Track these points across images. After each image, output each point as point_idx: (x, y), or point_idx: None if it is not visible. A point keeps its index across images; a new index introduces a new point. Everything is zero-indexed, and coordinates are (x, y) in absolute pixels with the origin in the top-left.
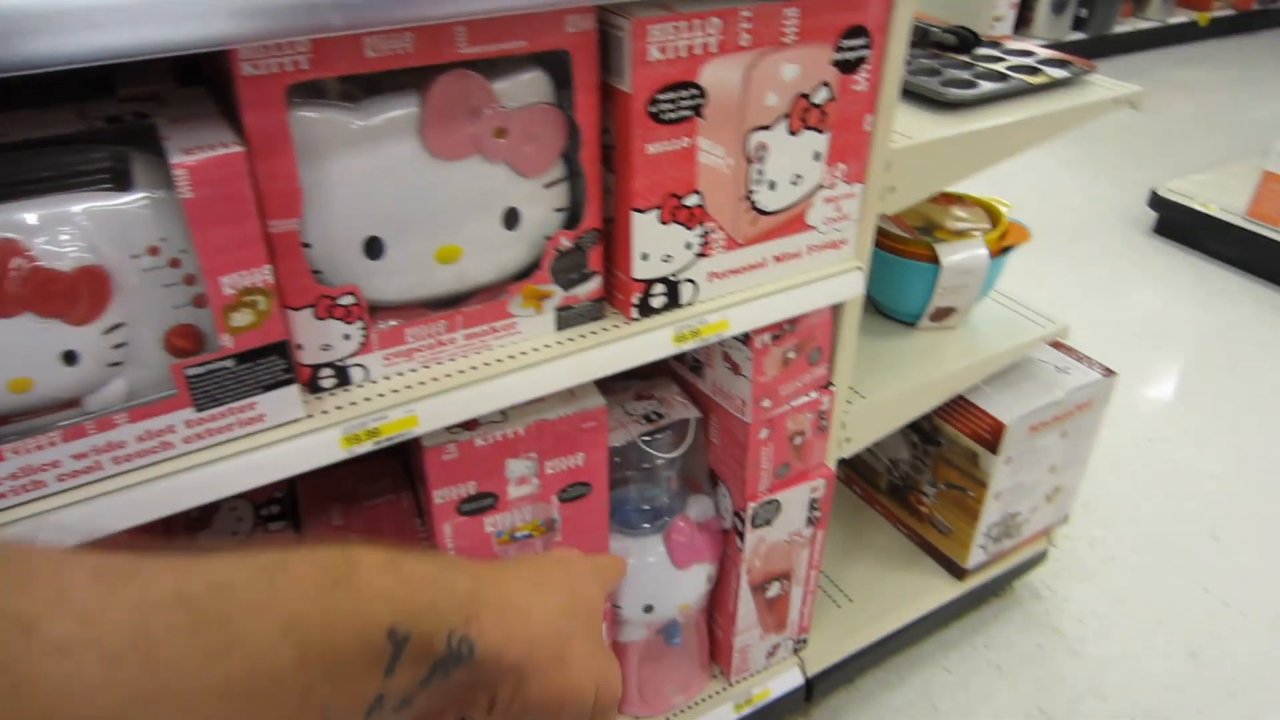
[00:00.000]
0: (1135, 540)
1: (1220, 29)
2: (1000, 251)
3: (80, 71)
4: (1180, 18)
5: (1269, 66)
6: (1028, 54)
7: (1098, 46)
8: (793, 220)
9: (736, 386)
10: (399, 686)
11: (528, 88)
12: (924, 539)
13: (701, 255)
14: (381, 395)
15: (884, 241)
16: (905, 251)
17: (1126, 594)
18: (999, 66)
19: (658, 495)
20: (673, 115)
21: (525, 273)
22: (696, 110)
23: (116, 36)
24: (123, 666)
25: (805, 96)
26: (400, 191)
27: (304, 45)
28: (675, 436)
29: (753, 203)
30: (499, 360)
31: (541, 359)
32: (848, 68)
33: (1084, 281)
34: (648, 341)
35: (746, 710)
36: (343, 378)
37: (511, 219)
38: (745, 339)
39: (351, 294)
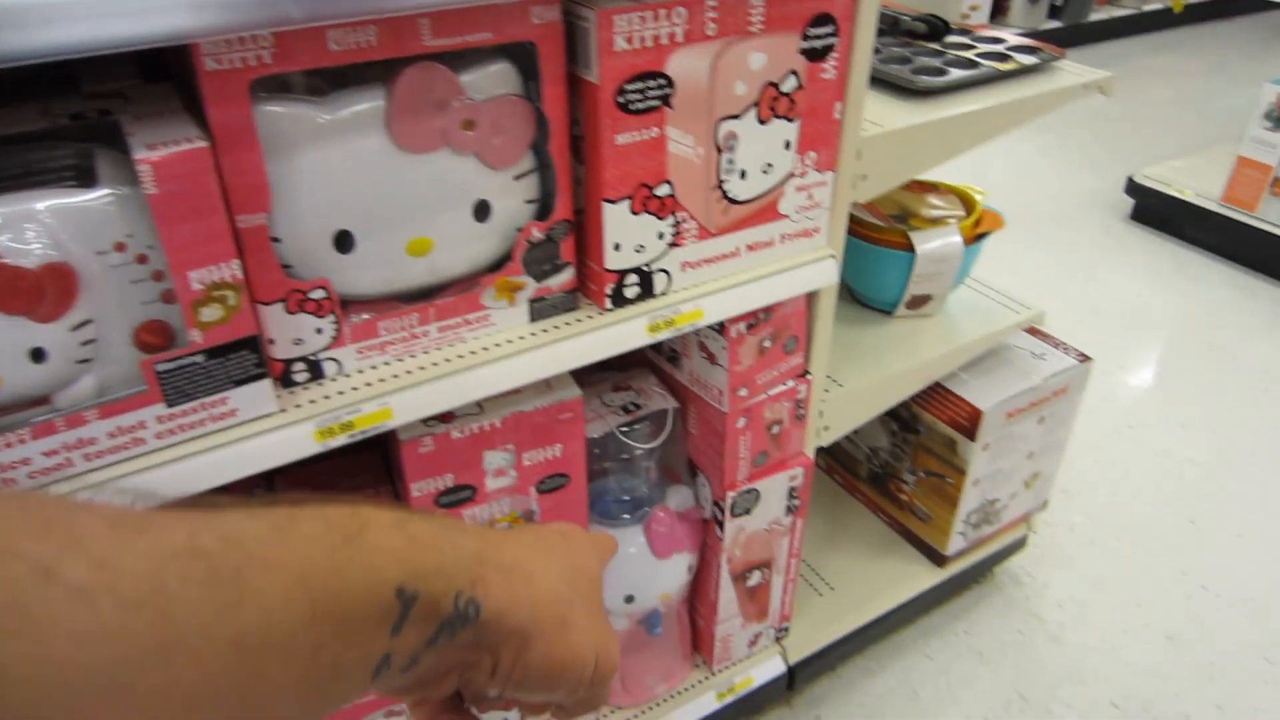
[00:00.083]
0: (1114, 526)
1: (1194, 15)
2: (975, 239)
3: (44, 68)
4: (1155, 5)
5: (1243, 52)
6: (998, 41)
7: (1074, 34)
8: (765, 209)
9: (713, 376)
10: (406, 646)
11: (495, 80)
12: (904, 526)
13: (674, 245)
14: (355, 389)
15: (859, 230)
16: (880, 240)
17: (1105, 579)
18: (969, 54)
19: (637, 486)
20: (641, 105)
21: (497, 265)
22: (665, 100)
23: (75, 32)
24: (139, 615)
25: (774, 85)
26: (369, 185)
27: (266, 39)
28: (653, 427)
29: (724, 192)
30: (473, 352)
31: (515, 350)
32: (815, 56)
33: (1062, 268)
34: (622, 332)
35: (729, 699)
36: (316, 372)
37: (482, 211)
38: (720, 328)
39: (322, 288)
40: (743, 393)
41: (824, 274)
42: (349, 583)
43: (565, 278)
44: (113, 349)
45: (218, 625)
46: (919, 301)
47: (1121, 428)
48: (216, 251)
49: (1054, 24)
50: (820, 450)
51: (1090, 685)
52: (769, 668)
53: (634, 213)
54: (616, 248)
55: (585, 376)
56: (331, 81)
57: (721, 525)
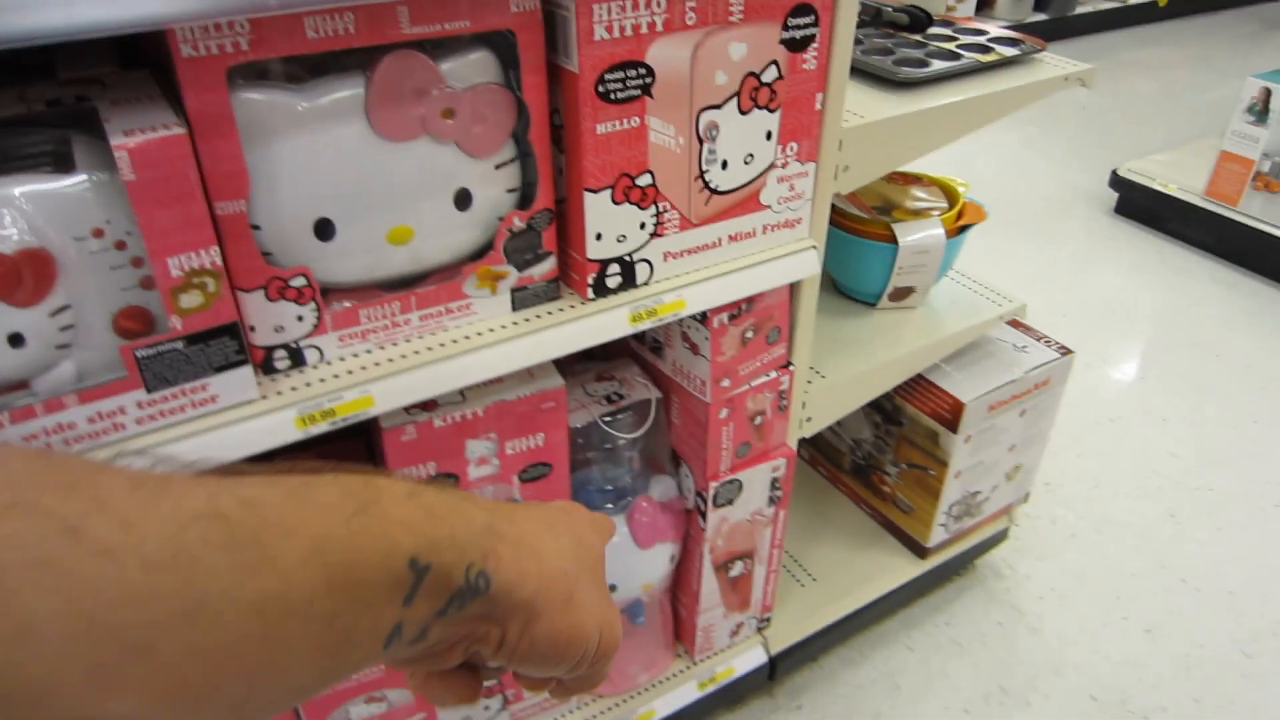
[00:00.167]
0: (1095, 519)
1: (1179, 9)
2: (957, 231)
3: (20, 54)
4: None
5: (1228, 45)
6: (980, 33)
7: (1059, 27)
8: (747, 199)
9: (696, 366)
10: (417, 616)
11: (475, 68)
12: (886, 518)
13: (656, 235)
14: (336, 376)
15: (842, 221)
16: (863, 231)
17: (1086, 572)
18: (951, 45)
19: (620, 476)
20: (621, 95)
21: (479, 253)
22: (645, 89)
23: (49, 17)
24: (163, 576)
25: (754, 75)
26: (349, 173)
27: (243, 26)
28: (636, 417)
29: (706, 182)
30: (455, 341)
31: (497, 339)
32: (796, 46)
33: (1046, 261)
34: (604, 321)
35: (710, 688)
36: (297, 359)
37: (463, 200)
38: (703, 319)
39: (303, 275)
40: (725, 383)
41: (806, 265)
42: (363, 552)
43: (547, 267)
44: (92, 335)
45: (238, 589)
46: (902, 293)
47: (1103, 421)
48: (195, 238)
49: (1040, 17)
50: (804, 442)
51: (1069, 677)
52: (750, 658)
53: (615, 202)
54: (598, 237)
55: (568, 366)
56: (310, 69)
57: (704, 515)
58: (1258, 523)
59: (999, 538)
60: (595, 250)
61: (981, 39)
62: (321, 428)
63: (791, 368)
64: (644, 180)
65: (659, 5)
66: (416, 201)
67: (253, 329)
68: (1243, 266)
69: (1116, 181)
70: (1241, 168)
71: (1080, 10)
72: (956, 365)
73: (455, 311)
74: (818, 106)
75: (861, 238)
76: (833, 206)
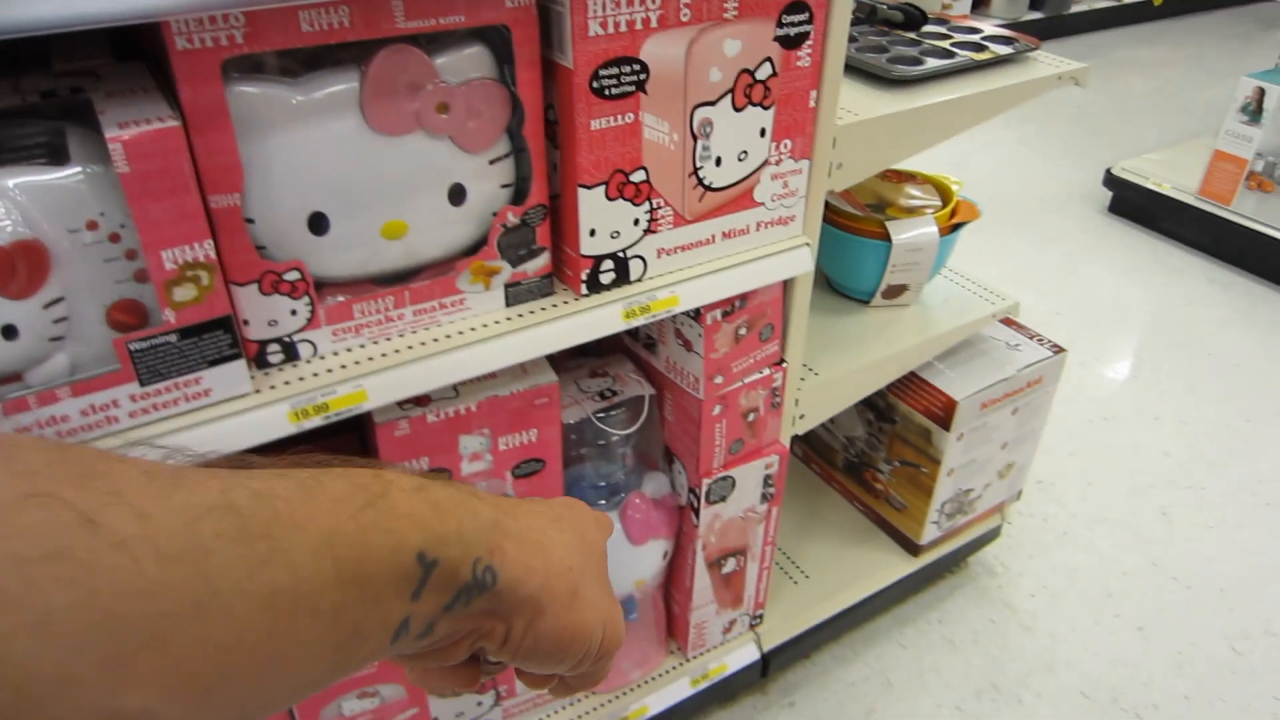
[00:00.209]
0: (1087, 516)
1: (1174, 8)
2: (951, 229)
3: (15, 46)
4: None
5: (1222, 44)
6: (974, 31)
7: (1054, 26)
8: (741, 196)
9: (689, 363)
10: (424, 611)
11: (469, 63)
12: (879, 516)
13: (650, 231)
14: (330, 370)
15: (836, 219)
16: (857, 229)
17: (1078, 570)
18: (945, 43)
19: (613, 472)
20: (616, 91)
21: (473, 249)
22: (639, 86)
23: (44, 8)
24: (177, 568)
25: (749, 72)
26: (343, 167)
27: (238, 19)
28: (630, 413)
29: (700, 179)
30: (448, 336)
31: (491, 335)
32: (790, 43)
33: (1039, 260)
34: (597, 317)
35: (703, 685)
36: (290, 353)
37: (457, 195)
38: (696, 315)
39: (297, 269)
40: (718, 380)
41: (799, 262)
42: (372, 546)
43: (541, 263)
44: (85, 327)
45: (250, 582)
46: (895, 291)
47: (1096, 419)
48: (189, 231)
49: (1035, 15)
50: (797, 439)
51: (1061, 674)
52: (743, 655)
53: (609, 198)
54: (592, 233)
55: (562, 362)
56: (305, 63)
57: (697, 512)
58: (1249, 521)
59: (991, 535)
60: (589, 246)
61: (976, 37)
62: (314, 422)
63: (784, 365)
64: (638, 176)
65: (654, 1)
66: (410, 196)
67: (246, 323)
68: (1236, 266)
69: (1111, 180)
70: (1235, 167)
71: (1075, 9)
72: (949, 363)
73: (449, 307)
74: (812, 104)
75: (855, 235)
76: (826, 204)
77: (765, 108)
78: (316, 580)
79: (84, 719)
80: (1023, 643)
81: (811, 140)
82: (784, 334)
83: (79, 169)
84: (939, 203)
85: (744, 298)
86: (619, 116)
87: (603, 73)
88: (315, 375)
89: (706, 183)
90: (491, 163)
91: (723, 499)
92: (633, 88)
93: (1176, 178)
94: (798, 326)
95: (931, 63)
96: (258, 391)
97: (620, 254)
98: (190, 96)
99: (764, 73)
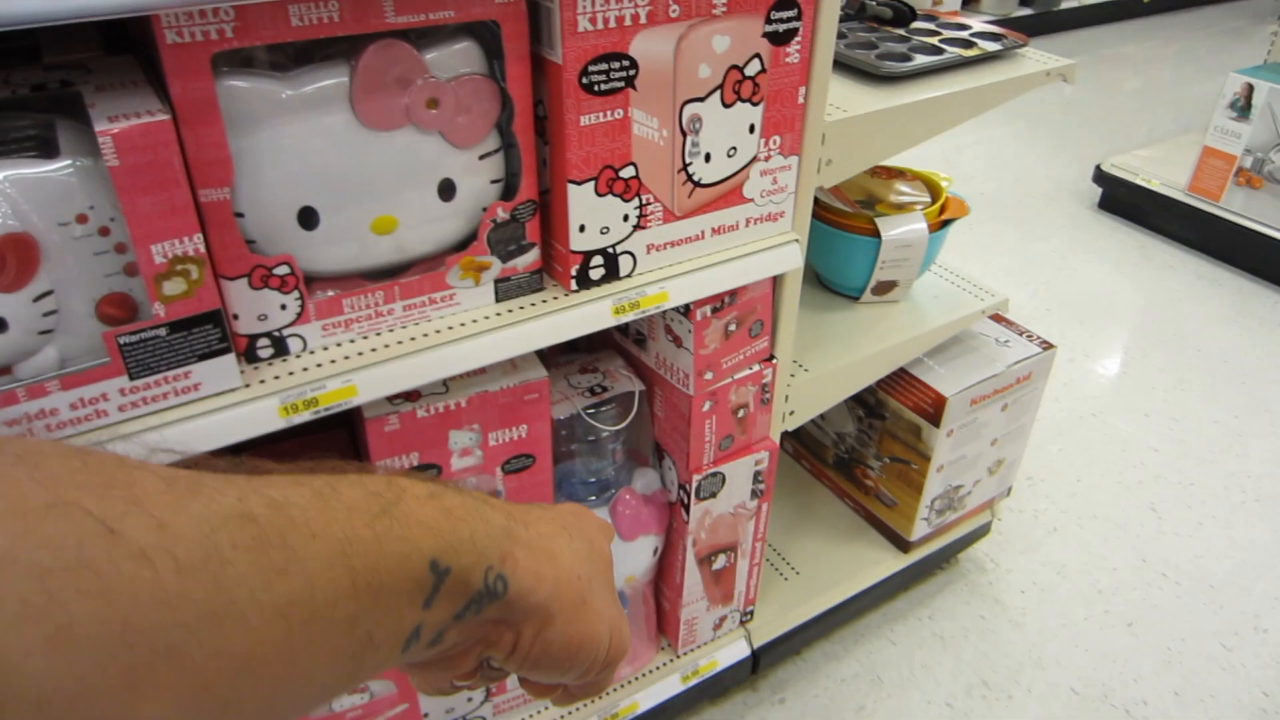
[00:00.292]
0: (1077, 513)
1: (1164, 4)
2: (940, 225)
3: (5, 39)
4: None
5: (1213, 40)
6: (963, 27)
7: (1045, 22)
8: (730, 193)
9: (679, 359)
10: (435, 619)
11: (459, 58)
12: (870, 512)
13: (639, 227)
14: (320, 365)
15: (826, 215)
16: (847, 225)
17: (1068, 566)
18: (934, 40)
19: (603, 468)
20: (605, 86)
21: (463, 244)
22: (629, 82)
23: (34, 1)
24: (195, 579)
25: (738, 68)
26: (333, 162)
27: (228, 13)
28: (620, 409)
29: (689, 175)
30: (438, 331)
31: (480, 330)
32: (779, 40)
33: (1029, 256)
34: (587, 313)
35: (694, 681)
36: (280, 348)
37: (447, 190)
38: (686, 311)
39: (287, 264)
40: (708, 376)
41: (789, 258)
42: (386, 554)
43: (530, 258)
44: (75, 321)
45: (265, 593)
46: (885, 287)
47: (1085, 415)
48: (179, 225)
49: (1025, 11)
50: (788, 436)
51: (1051, 671)
52: (733, 651)
53: (599, 194)
54: (581, 229)
55: (552, 358)
56: (295, 58)
57: (687, 508)
58: (1238, 517)
59: (981, 532)
60: (578, 242)
61: (964, 34)
62: (304, 417)
63: (774, 361)
64: (627, 172)
65: None
66: (400, 191)
67: (236, 317)
68: (1225, 262)
69: (1100, 176)
70: (1224, 163)
71: (1065, 5)
72: (939, 359)
73: (439, 302)
74: (801, 100)
75: (845, 231)
76: (816, 200)
77: (754, 104)
78: (331, 590)
79: None
80: (1013, 639)
81: (800, 136)
82: (774, 330)
83: (69, 162)
84: (928, 199)
85: (734, 294)
86: (608, 112)
87: (592, 68)
88: (305, 370)
89: (696, 179)
90: (481, 158)
91: (713, 495)
92: (622, 83)
93: (1166, 174)
94: (787, 322)
95: (920, 59)
96: (247, 386)
97: (610, 250)
98: (180, 90)
99: (753, 69)
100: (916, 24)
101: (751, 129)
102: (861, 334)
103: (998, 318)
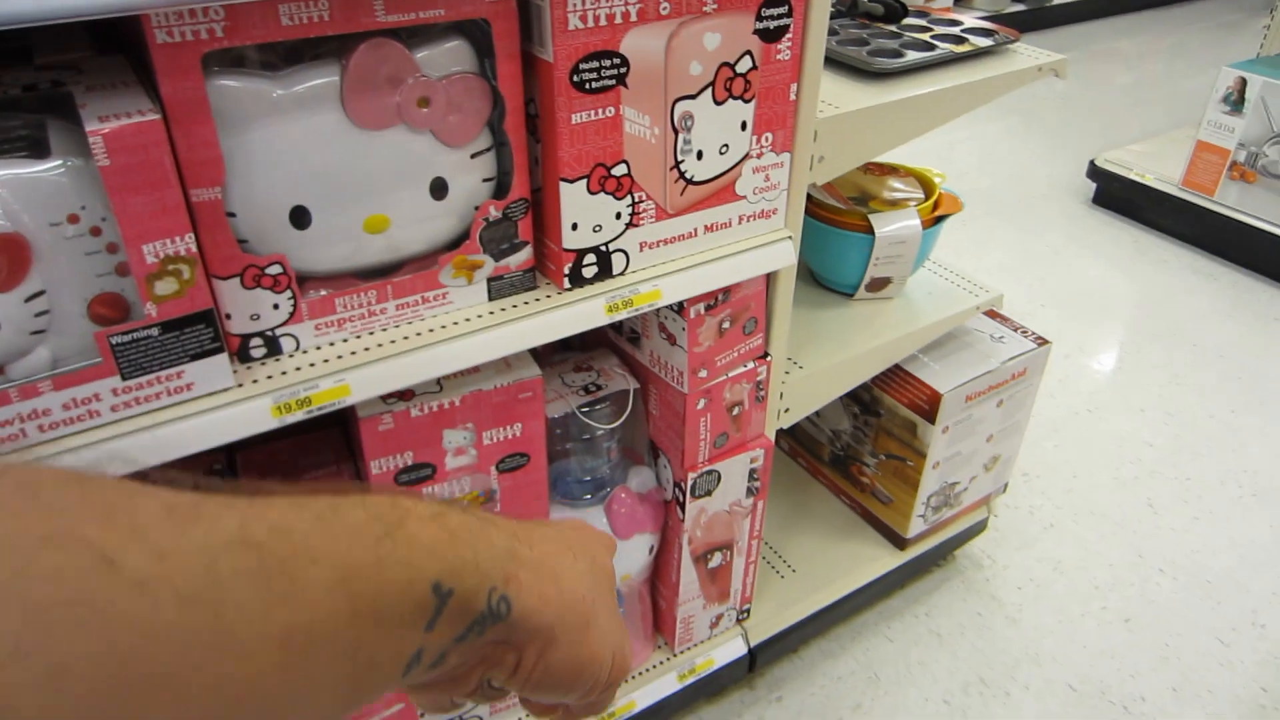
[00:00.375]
0: (1073, 509)
1: None
2: (934, 222)
3: None
4: None
5: (1205, 34)
6: (954, 23)
7: (1037, 17)
8: (722, 190)
9: (673, 357)
10: (437, 642)
11: (450, 57)
12: (866, 509)
13: (632, 225)
14: (313, 365)
15: (819, 212)
16: (840, 222)
17: (1064, 562)
18: (926, 36)
19: (598, 466)
20: (596, 84)
21: (455, 243)
22: (620, 79)
23: (24, 2)
24: (195, 609)
25: (729, 66)
26: (324, 161)
27: (218, 12)
28: (615, 408)
29: (681, 172)
30: (431, 330)
31: (474, 329)
32: (770, 37)
33: (1024, 252)
34: (580, 311)
35: (690, 680)
36: (273, 347)
37: (439, 189)
38: (679, 309)
39: (279, 263)
40: (703, 374)
41: (782, 255)
42: (388, 578)
43: (523, 257)
44: (67, 321)
45: (266, 621)
46: (879, 284)
47: (1081, 411)
48: (170, 225)
49: (1018, 7)
50: (784, 433)
51: (1048, 667)
52: (730, 649)
53: (591, 192)
54: (574, 227)
55: (546, 357)
56: (285, 57)
57: (682, 506)
58: (1235, 512)
59: (978, 528)
60: (571, 240)
61: (956, 29)
62: (297, 416)
63: (769, 358)
64: (619, 170)
65: None
66: (392, 190)
67: (228, 317)
68: (1219, 256)
69: (1094, 172)
70: (1217, 158)
71: (1058, 0)
72: (934, 356)
73: (432, 301)
74: (792, 97)
75: (838, 228)
76: (809, 197)
77: (746, 101)
78: (332, 617)
79: None
80: (1010, 636)
81: (792, 133)
82: (768, 327)
83: (60, 162)
84: (922, 195)
85: (727, 291)
86: (600, 110)
87: (583, 66)
88: (298, 369)
89: (688, 176)
90: (473, 157)
91: (708, 493)
92: (613, 81)
93: (1159, 169)
94: (781, 320)
95: (912, 55)
96: (240, 386)
97: (602, 248)
98: (170, 90)
99: (744, 66)
100: (908, 20)
101: (743, 126)
102: (856, 331)
103: (992, 314)
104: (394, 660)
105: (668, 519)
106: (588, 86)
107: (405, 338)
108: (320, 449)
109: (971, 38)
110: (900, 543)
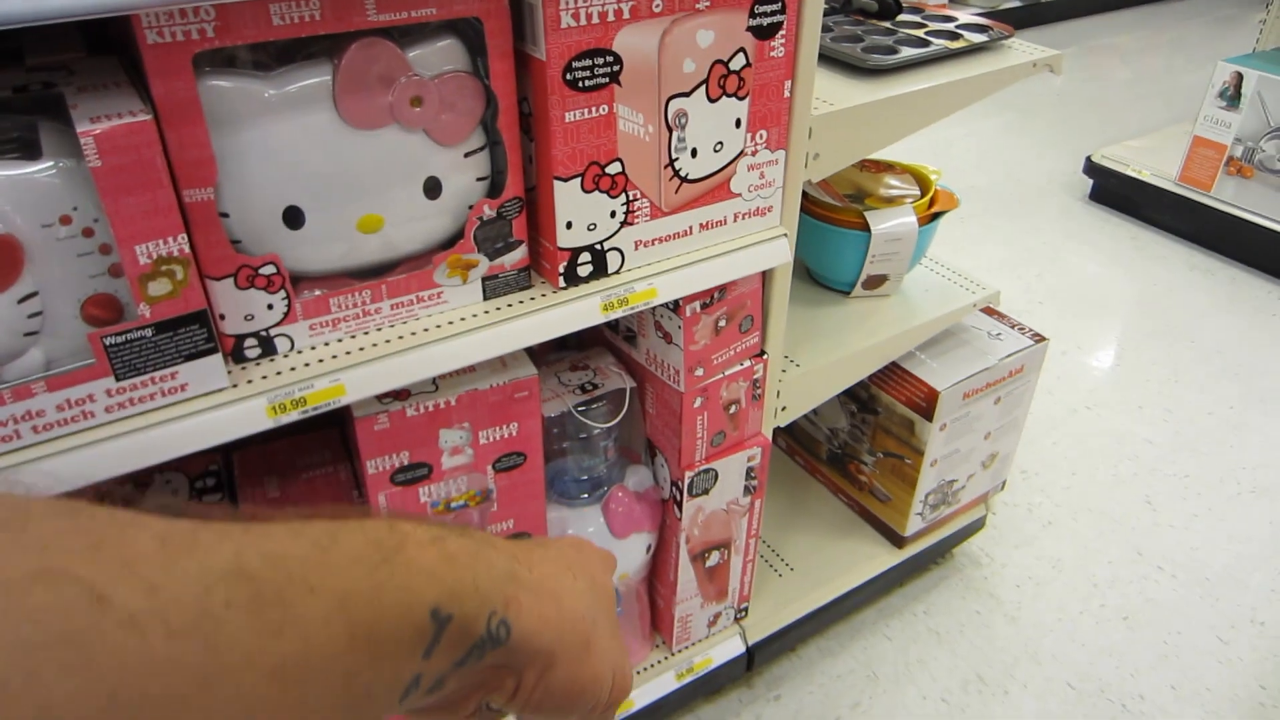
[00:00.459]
0: (1072, 506)
1: None
2: (930, 219)
3: None
4: None
5: (1201, 29)
6: (949, 19)
7: (1034, 13)
8: (717, 188)
9: (669, 355)
10: (435, 668)
11: (443, 56)
12: (864, 507)
13: (626, 223)
14: (307, 365)
15: (815, 210)
16: (836, 220)
17: (1063, 560)
18: (920, 32)
19: (595, 465)
20: (589, 82)
21: (450, 242)
22: (613, 77)
23: (14, 3)
24: (186, 644)
25: (723, 63)
26: (317, 161)
27: (209, 13)
28: (611, 406)
29: (676, 170)
30: (426, 330)
31: (469, 328)
32: (763, 34)
33: (1021, 249)
34: (576, 310)
35: (688, 679)
36: (267, 347)
37: (432, 188)
38: (675, 307)
39: (273, 264)
40: (699, 372)
41: (777, 253)
42: (386, 605)
43: (518, 256)
44: (60, 322)
45: (260, 655)
46: (875, 281)
47: (1079, 408)
48: (163, 225)
49: (1013, 3)
50: (781, 431)
51: (1047, 665)
52: (728, 648)
53: (585, 191)
54: (568, 226)
55: (542, 356)
56: (277, 57)
57: (680, 505)
58: (1233, 509)
59: (976, 526)
60: (566, 239)
61: (950, 25)
62: (292, 417)
63: (765, 356)
64: (613, 168)
65: None
66: (386, 190)
67: (222, 317)
68: (1217, 252)
69: (1091, 168)
70: (1214, 153)
71: None
72: (931, 353)
73: (426, 300)
74: (786, 94)
75: (834, 226)
76: (805, 195)
77: (740, 98)
78: (329, 647)
79: None
80: (1008, 634)
81: (787, 131)
82: (764, 325)
83: (51, 163)
84: (917, 192)
85: (723, 289)
86: (593, 108)
87: (576, 65)
88: (293, 369)
89: (682, 174)
90: (466, 156)
91: (705, 492)
92: (606, 79)
93: (1156, 164)
94: (778, 318)
95: (906, 52)
96: (235, 386)
97: (597, 246)
98: (162, 90)
99: (738, 63)
100: (902, 16)
101: (738, 124)
102: (852, 328)
103: (989, 311)
104: (391, 687)
105: (665, 518)
106: (581, 85)
107: (400, 337)
108: (317, 449)
109: (966, 34)
110: (898, 541)
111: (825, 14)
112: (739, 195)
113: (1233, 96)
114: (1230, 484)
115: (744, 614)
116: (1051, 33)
